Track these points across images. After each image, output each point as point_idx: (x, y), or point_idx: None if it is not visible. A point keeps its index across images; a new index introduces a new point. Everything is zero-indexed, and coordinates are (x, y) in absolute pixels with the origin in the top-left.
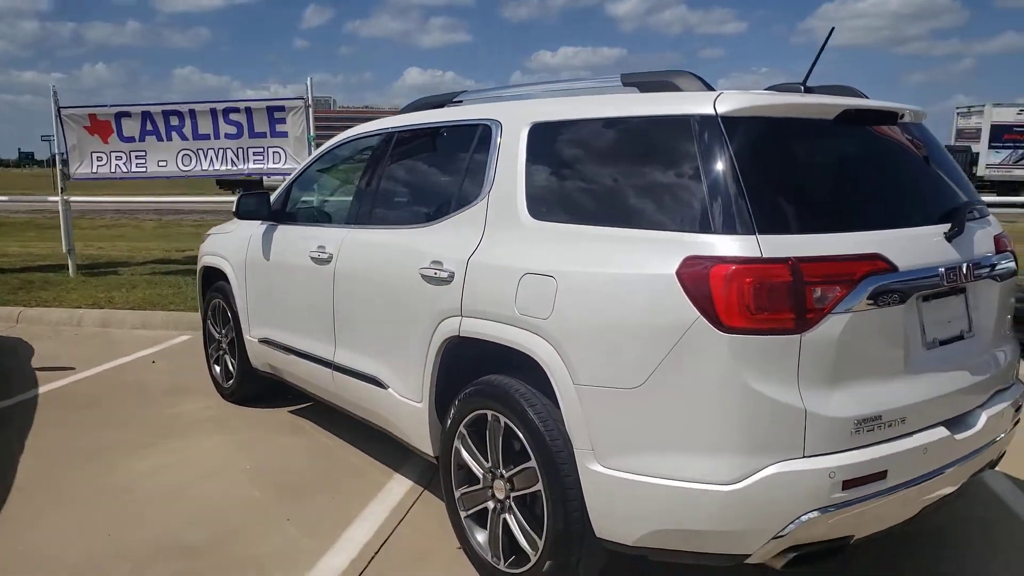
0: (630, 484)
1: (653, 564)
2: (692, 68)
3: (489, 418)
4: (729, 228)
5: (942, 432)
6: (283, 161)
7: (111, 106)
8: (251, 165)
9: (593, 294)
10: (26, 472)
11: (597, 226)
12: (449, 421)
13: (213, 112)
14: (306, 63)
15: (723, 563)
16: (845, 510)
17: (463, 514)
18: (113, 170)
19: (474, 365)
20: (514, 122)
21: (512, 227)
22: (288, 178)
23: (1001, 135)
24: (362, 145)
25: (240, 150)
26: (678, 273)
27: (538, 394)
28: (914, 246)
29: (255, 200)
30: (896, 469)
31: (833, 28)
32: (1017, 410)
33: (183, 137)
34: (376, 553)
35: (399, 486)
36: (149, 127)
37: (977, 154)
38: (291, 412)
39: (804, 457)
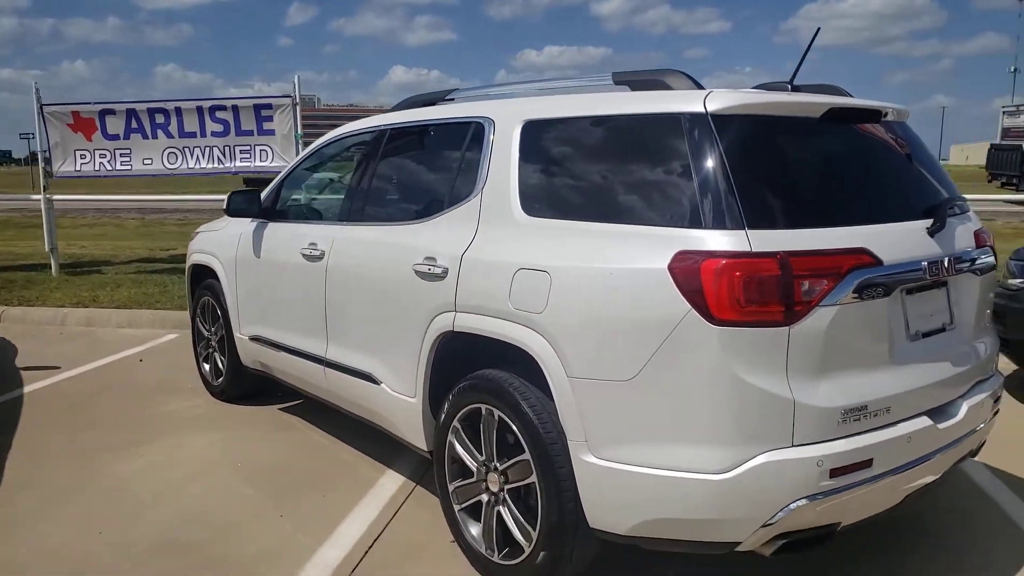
0: (623, 474)
1: (650, 555)
2: (677, 68)
3: (483, 412)
4: (719, 223)
5: (925, 421)
6: (270, 159)
7: (95, 103)
8: (238, 163)
9: (587, 288)
10: (14, 471)
11: (590, 222)
12: (443, 416)
13: (199, 110)
14: (290, 61)
15: (714, 551)
16: (833, 498)
17: (457, 508)
18: (97, 168)
19: (467, 360)
20: (507, 119)
21: (506, 223)
22: (279, 176)
23: None
24: (354, 143)
25: (227, 148)
26: (670, 267)
27: (532, 387)
28: (898, 241)
29: (246, 197)
30: (881, 457)
31: (819, 28)
32: (996, 401)
33: (169, 135)
34: (370, 547)
35: (391, 482)
36: (134, 125)
37: None
38: (281, 410)
39: (793, 446)
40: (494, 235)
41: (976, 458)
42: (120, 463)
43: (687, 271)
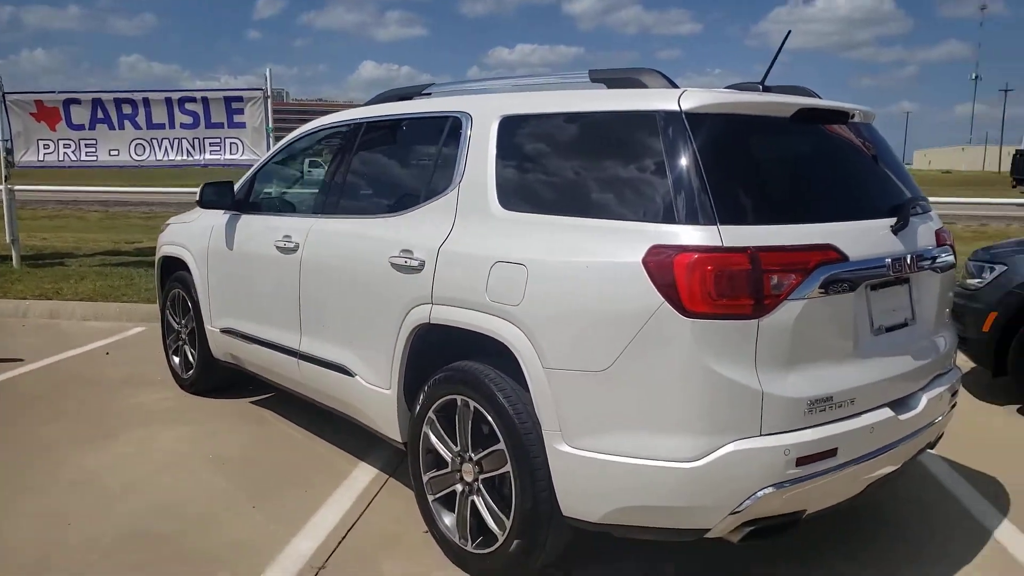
0: (596, 463)
1: (625, 544)
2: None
3: (459, 403)
4: (692, 218)
5: (887, 413)
6: (240, 152)
7: (59, 92)
8: (207, 156)
9: (563, 281)
10: None
11: (567, 216)
12: (418, 407)
13: (168, 101)
14: (259, 54)
15: (684, 538)
16: (798, 486)
17: (431, 498)
18: (61, 158)
19: (442, 352)
20: (485, 115)
21: (483, 217)
22: (252, 168)
23: None
24: (329, 135)
25: (196, 140)
26: (644, 261)
27: (507, 378)
28: (863, 238)
29: (218, 189)
30: (846, 447)
31: (790, 31)
32: (954, 394)
33: (136, 126)
34: (343, 538)
35: (364, 474)
36: (100, 115)
37: None
38: (252, 403)
39: (761, 435)
40: (471, 229)
41: (935, 452)
42: (88, 455)
43: (661, 265)
